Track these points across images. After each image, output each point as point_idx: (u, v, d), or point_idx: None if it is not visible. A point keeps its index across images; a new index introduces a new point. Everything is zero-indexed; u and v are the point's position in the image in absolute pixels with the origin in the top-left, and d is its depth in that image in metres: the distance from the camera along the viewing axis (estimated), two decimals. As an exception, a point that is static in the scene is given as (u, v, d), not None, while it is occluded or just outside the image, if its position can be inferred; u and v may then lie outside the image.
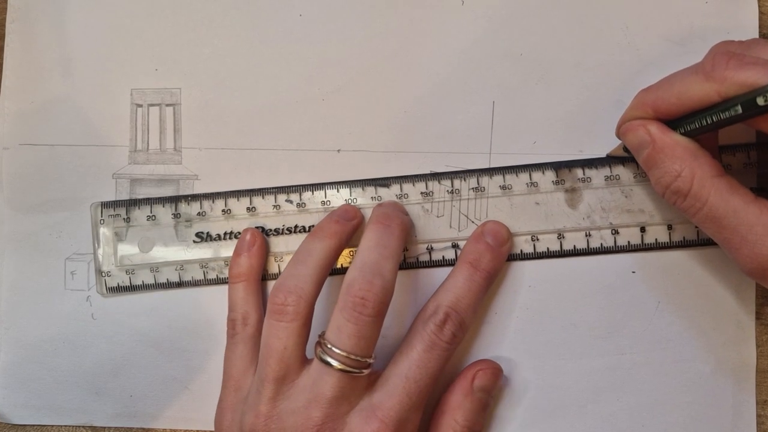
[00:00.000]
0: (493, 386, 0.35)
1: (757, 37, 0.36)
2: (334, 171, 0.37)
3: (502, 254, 0.35)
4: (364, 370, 0.31)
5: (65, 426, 0.38)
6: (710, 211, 0.29)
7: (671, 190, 0.30)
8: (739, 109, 0.27)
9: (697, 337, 0.36)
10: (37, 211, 0.38)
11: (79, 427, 0.38)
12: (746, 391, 0.36)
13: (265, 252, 0.37)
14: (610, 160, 0.36)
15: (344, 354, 0.30)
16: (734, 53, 0.28)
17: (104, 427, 0.38)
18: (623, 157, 0.35)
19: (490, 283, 0.35)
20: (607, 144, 0.36)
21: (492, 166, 0.37)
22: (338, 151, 0.37)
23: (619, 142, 0.34)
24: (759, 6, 0.36)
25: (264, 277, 0.37)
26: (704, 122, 0.29)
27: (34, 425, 0.39)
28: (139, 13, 0.38)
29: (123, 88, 0.38)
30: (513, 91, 0.37)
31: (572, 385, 0.36)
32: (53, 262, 0.38)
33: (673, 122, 0.30)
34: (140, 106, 0.38)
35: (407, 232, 0.35)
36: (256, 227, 0.37)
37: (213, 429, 0.35)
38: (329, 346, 0.31)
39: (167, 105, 0.38)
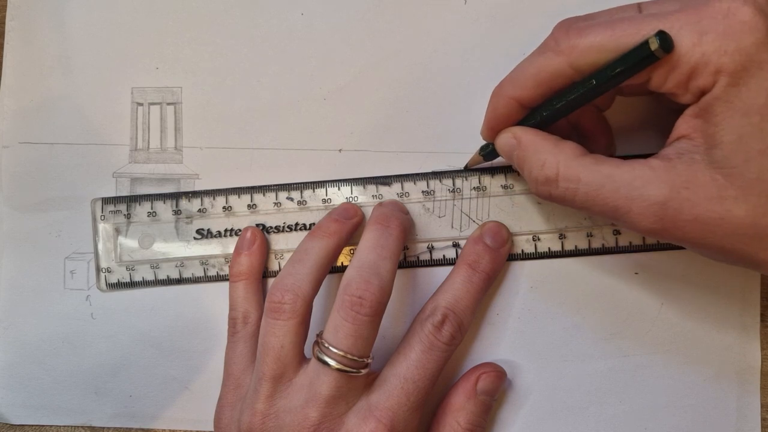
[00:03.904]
0: (497, 390, 0.35)
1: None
2: (336, 171, 0.37)
3: (501, 255, 0.35)
4: (361, 370, 0.31)
5: (64, 426, 0.38)
6: (587, 186, 0.28)
7: (541, 180, 0.30)
8: (623, 65, 0.27)
9: (701, 340, 0.36)
10: (36, 210, 0.38)
11: (78, 427, 0.38)
12: (750, 394, 0.36)
13: (266, 250, 0.37)
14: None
15: (341, 353, 0.30)
16: (571, 25, 0.28)
17: (103, 428, 0.38)
18: (483, 167, 0.36)
19: (489, 284, 0.35)
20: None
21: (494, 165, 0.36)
22: (340, 150, 0.37)
23: (475, 150, 0.35)
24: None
25: (264, 274, 0.37)
26: (578, 92, 0.29)
27: (32, 425, 0.38)
28: (139, 10, 0.38)
29: (124, 86, 0.38)
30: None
31: (574, 388, 0.36)
32: (53, 261, 0.38)
33: (543, 106, 0.30)
34: (141, 104, 0.38)
35: (406, 232, 0.35)
36: (257, 225, 0.37)
37: (213, 428, 0.35)
38: (326, 345, 0.30)
39: (168, 104, 0.38)
